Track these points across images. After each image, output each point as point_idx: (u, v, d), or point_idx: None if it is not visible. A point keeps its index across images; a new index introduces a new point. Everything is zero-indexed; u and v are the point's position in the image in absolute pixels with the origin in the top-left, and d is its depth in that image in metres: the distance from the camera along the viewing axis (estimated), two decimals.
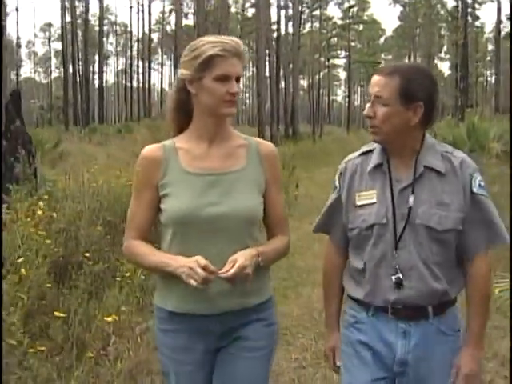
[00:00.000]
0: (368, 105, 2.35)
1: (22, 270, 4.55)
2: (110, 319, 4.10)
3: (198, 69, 2.29)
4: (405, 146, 2.37)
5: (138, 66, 73.90)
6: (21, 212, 6.07)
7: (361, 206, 2.39)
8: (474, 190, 2.32)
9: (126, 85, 77.76)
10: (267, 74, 39.38)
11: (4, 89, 10.55)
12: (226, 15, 27.34)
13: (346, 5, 68.31)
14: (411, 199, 2.31)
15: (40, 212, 6.15)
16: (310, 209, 10.45)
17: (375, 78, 2.34)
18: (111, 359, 4.19)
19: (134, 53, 77.84)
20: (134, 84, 76.45)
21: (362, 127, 75.03)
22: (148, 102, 60.51)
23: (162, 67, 79.42)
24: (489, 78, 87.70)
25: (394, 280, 2.32)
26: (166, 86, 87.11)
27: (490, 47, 76.46)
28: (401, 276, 2.31)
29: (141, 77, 69.60)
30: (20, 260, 4.62)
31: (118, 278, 5.07)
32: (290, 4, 53.14)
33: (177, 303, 2.33)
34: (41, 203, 6.31)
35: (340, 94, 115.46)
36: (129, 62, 79.90)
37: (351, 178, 2.45)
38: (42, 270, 4.61)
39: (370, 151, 2.47)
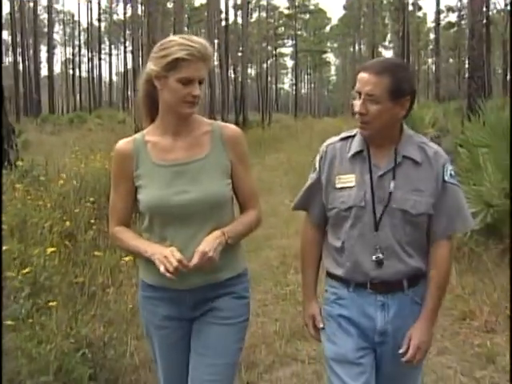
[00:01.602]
0: (359, 102, 2.44)
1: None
2: (126, 259, 5.18)
3: (164, 68, 2.40)
4: (387, 137, 2.50)
5: (87, 56, 73.56)
6: (19, 192, 7.13)
7: (340, 188, 2.53)
8: (446, 178, 2.47)
9: (73, 75, 77.50)
10: (216, 63, 40.29)
11: None
12: (180, 6, 28.04)
13: None
14: (392, 185, 2.46)
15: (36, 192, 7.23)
16: (262, 190, 11.68)
17: (365, 76, 2.42)
18: (111, 301, 5.28)
19: (82, 43, 77.57)
20: (83, 74, 76.33)
21: (309, 114, 76.58)
22: (99, 91, 60.64)
23: (110, 57, 79.19)
24: (431, 66, 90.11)
25: (375, 259, 2.46)
26: (114, 77, 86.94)
27: (432, 36, 78.42)
28: (381, 255, 2.46)
29: (88, 66, 69.37)
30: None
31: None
32: None
33: (155, 278, 2.50)
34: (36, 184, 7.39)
35: (287, 82, 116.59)
36: (76, 51, 79.57)
37: (331, 161, 2.58)
38: (54, 235, 5.67)
39: (350, 137, 2.60)
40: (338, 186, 2.53)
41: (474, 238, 6.58)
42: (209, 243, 2.35)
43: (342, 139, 2.61)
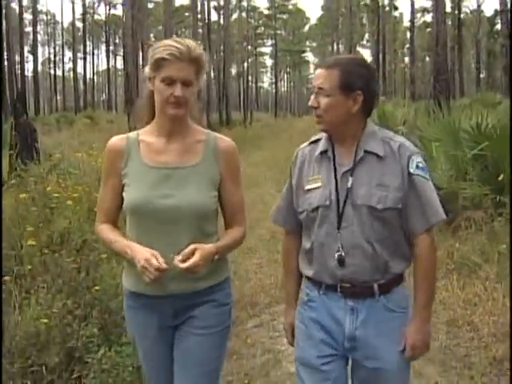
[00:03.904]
0: (312, 96, 2.47)
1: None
2: None
3: (151, 68, 2.43)
4: (347, 133, 2.49)
5: (68, 56, 74.30)
6: (52, 181, 8.54)
7: (308, 190, 2.53)
8: (411, 170, 2.42)
9: (55, 75, 78.28)
10: None
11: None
12: (169, 11, 29.46)
13: None
14: (350, 181, 2.44)
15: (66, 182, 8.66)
16: (247, 183, 13.33)
17: (318, 71, 2.47)
18: None
19: (63, 42, 78.34)
20: (65, 74, 77.13)
21: (289, 113, 78.07)
22: (84, 92, 61.55)
23: (92, 57, 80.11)
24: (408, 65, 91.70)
25: (336, 257, 2.44)
26: (96, 76, 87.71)
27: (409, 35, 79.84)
28: (343, 254, 2.43)
29: (73, 66, 70.09)
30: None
31: None
32: None
33: (134, 284, 2.51)
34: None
35: (266, 81, 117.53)
36: (57, 51, 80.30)
37: (301, 165, 2.61)
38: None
39: (319, 140, 2.61)
40: (307, 187, 2.55)
41: None
42: (205, 259, 2.35)
43: (311, 143, 2.65)
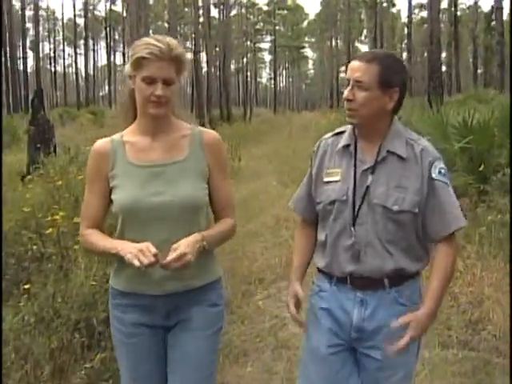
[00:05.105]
0: (348, 88, 2.41)
1: None
2: None
3: (132, 66, 2.39)
4: (375, 130, 2.45)
5: (69, 52, 74.82)
6: (72, 172, 9.26)
7: (327, 182, 2.52)
8: (434, 176, 2.38)
9: (55, 70, 79.00)
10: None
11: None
12: (173, 7, 30.08)
13: None
14: (369, 179, 2.41)
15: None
16: (250, 175, 14.49)
17: (355, 64, 2.40)
18: None
19: (64, 38, 78.98)
20: (66, 70, 77.76)
21: (287, 108, 78.67)
22: (85, 87, 62.07)
23: (94, 53, 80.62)
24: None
25: (351, 253, 2.44)
26: (95, 72, 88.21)
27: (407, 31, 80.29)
28: (358, 251, 2.43)
29: (75, 62, 70.68)
30: None
31: None
32: None
33: (126, 283, 2.48)
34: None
35: (265, 77, 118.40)
36: (56, 46, 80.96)
37: (322, 155, 2.58)
38: None
39: (343, 132, 2.58)
40: (326, 179, 2.53)
41: None
42: (189, 246, 2.30)
43: (335, 134, 2.62)
